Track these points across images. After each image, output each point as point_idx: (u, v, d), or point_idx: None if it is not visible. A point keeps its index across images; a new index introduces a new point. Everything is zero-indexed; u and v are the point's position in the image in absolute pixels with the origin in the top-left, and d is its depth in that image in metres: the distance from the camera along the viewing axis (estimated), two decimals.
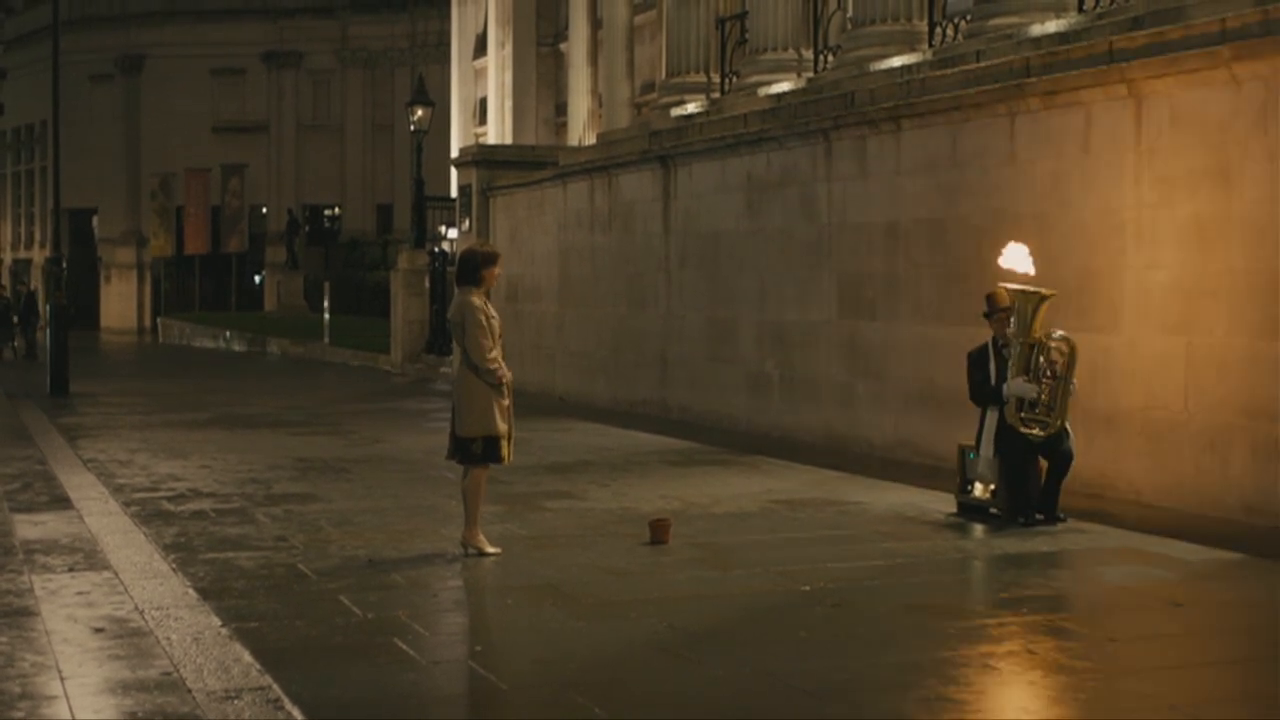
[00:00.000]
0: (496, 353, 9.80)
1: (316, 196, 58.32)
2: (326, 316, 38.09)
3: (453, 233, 29.31)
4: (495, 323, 9.88)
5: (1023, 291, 11.12)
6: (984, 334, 11.55)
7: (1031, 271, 11.27)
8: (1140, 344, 12.02)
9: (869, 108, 15.50)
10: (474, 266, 9.93)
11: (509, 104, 37.50)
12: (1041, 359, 11.06)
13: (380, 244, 51.59)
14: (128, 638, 7.63)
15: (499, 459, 9.91)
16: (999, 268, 11.49)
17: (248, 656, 7.20)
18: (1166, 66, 11.69)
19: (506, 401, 9.86)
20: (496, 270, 10.03)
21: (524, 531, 10.73)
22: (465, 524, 9.99)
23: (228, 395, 24.60)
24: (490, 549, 9.92)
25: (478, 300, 9.86)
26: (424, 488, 13.34)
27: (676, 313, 19.52)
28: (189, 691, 6.60)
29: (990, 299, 11.41)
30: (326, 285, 39.79)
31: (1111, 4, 13.72)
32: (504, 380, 9.81)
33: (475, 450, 9.85)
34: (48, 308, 28.37)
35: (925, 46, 16.62)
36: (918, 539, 10.57)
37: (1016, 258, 11.35)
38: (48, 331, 26.74)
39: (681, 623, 8.03)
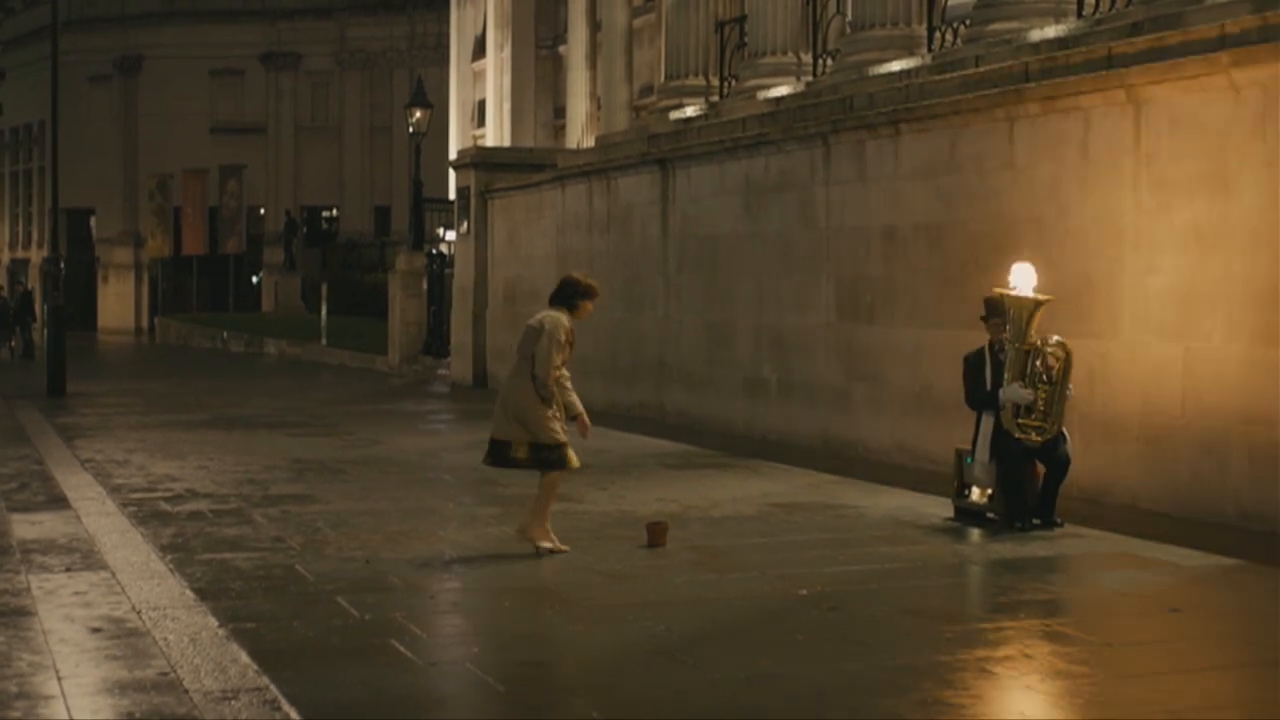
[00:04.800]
0: (558, 373, 9.95)
1: (314, 198, 58.34)
2: (324, 318, 38.09)
3: (450, 234, 29.32)
4: (570, 346, 10.04)
5: (1018, 297, 11.12)
6: (981, 339, 11.56)
7: (1032, 288, 11.24)
8: (1138, 349, 12.02)
9: (868, 112, 15.51)
10: (572, 294, 10.17)
11: (507, 106, 37.52)
12: (1038, 364, 11.06)
13: (378, 245, 51.60)
14: (125, 638, 7.63)
15: (565, 463, 10.06)
16: (1006, 283, 11.46)
17: (245, 657, 7.20)
18: (1165, 72, 11.70)
19: (552, 411, 10.01)
20: (590, 306, 10.27)
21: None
22: (530, 518, 10.08)
23: (225, 396, 24.59)
24: (559, 546, 10.02)
25: (566, 321, 10.04)
26: (421, 489, 13.34)
27: (674, 316, 19.52)
28: (186, 692, 6.60)
29: (988, 303, 11.41)
30: (324, 287, 39.81)
31: (1111, 9, 13.74)
32: (553, 398, 9.96)
33: (515, 455, 10.02)
34: (44, 308, 28.38)
35: (924, 51, 16.64)
36: (914, 543, 10.57)
37: (1022, 277, 11.31)
38: (44, 331, 26.75)
39: (679, 626, 8.03)
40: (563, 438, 10.02)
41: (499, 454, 10.16)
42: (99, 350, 44.46)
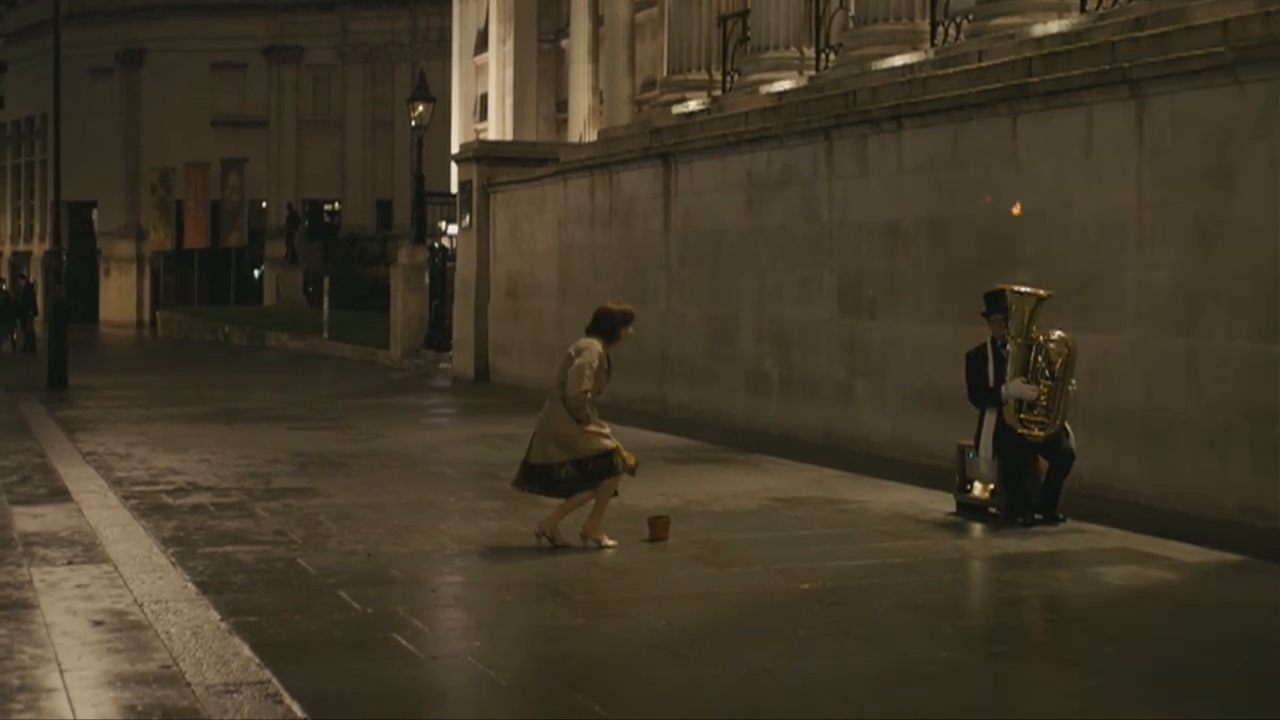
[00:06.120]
0: (589, 395, 10.04)
1: (316, 191, 58.26)
2: (326, 311, 38.07)
3: (453, 229, 29.32)
4: (605, 374, 10.14)
5: (1020, 292, 11.12)
6: (984, 334, 11.55)
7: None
8: (1141, 345, 12.02)
9: (870, 107, 15.50)
10: (610, 325, 10.31)
11: (509, 100, 37.47)
12: (1040, 359, 11.05)
13: (380, 239, 51.56)
14: (127, 631, 7.63)
15: (615, 469, 10.06)
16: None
17: (247, 650, 7.20)
18: (1169, 67, 11.69)
19: (592, 427, 10.05)
20: (630, 331, 10.41)
21: (523, 528, 10.71)
22: (590, 522, 10.12)
23: (226, 389, 24.60)
24: (609, 542, 10.06)
25: (601, 348, 10.16)
26: (423, 483, 13.34)
27: (676, 310, 19.51)
28: (188, 685, 6.60)
29: (989, 298, 11.40)
30: (325, 280, 39.78)
31: (1114, 4, 13.72)
32: (588, 418, 10.02)
33: (562, 475, 10.01)
34: (46, 301, 28.38)
35: (927, 46, 16.62)
36: (917, 538, 10.57)
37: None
38: (46, 324, 26.74)
39: (680, 620, 8.03)
40: (610, 444, 10.06)
41: (541, 477, 10.13)
42: (100, 343, 44.45)
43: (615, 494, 10.25)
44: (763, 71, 19.50)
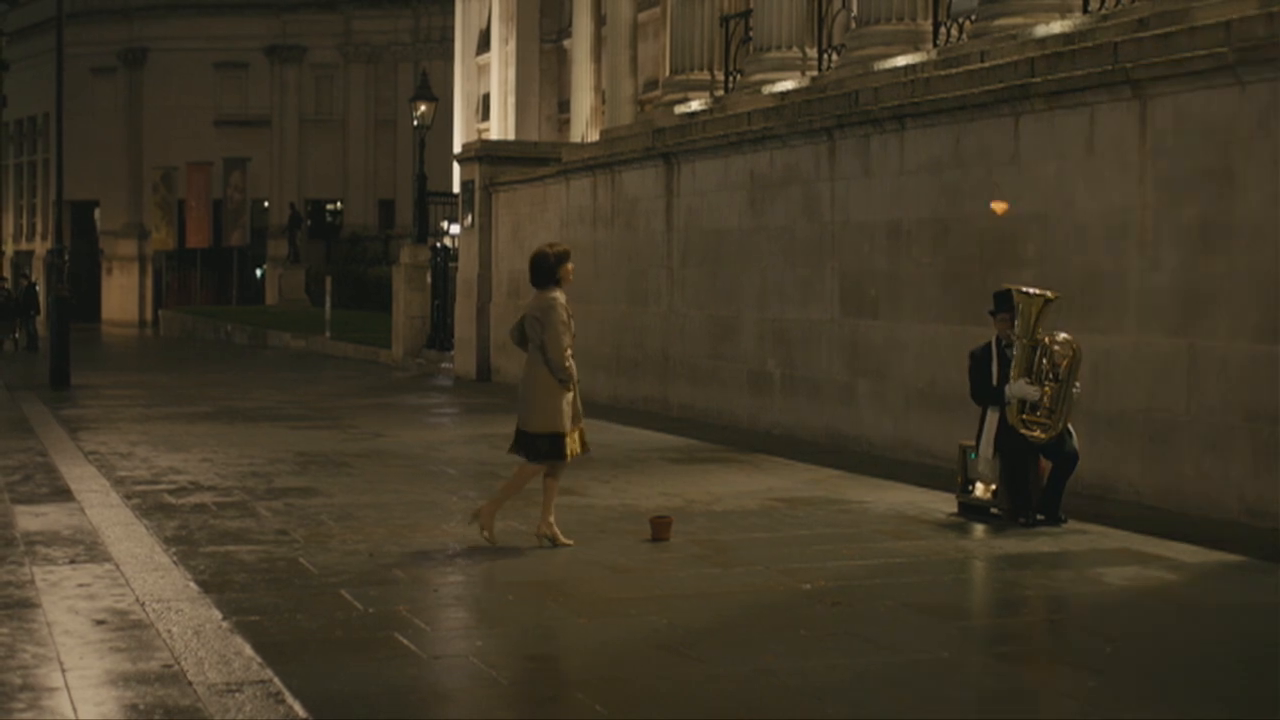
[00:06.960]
0: (569, 352, 10.02)
1: (318, 191, 58.36)
2: (328, 311, 38.10)
3: (455, 228, 29.34)
4: (573, 322, 10.11)
5: (1026, 293, 11.13)
6: (986, 334, 11.55)
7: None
8: (1143, 345, 12.02)
9: (873, 107, 15.50)
10: (550, 269, 10.15)
11: (512, 100, 37.48)
12: (1044, 361, 11.05)
13: (382, 239, 51.64)
14: (129, 630, 7.63)
15: (561, 456, 10.07)
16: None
17: (249, 650, 7.20)
18: (1171, 68, 11.69)
19: (571, 395, 10.03)
20: (572, 266, 10.27)
21: (525, 527, 10.72)
22: (487, 500, 10.21)
23: (228, 389, 24.61)
24: (493, 538, 10.08)
25: (561, 298, 10.08)
26: (425, 483, 13.34)
27: (678, 310, 19.52)
28: (190, 684, 6.60)
29: (997, 297, 11.39)
30: (328, 280, 39.82)
31: (1116, 5, 13.72)
32: (573, 377, 10.01)
33: (542, 447, 10.03)
34: (49, 300, 28.39)
35: (930, 46, 16.63)
36: (918, 538, 10.57)
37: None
38: (48, 323, 26.76)
39: (682, 620, 8.03)
40: (565, 428, 10.03)
41: (527, 444, 10.16)
42: (103, 343, 44.48)
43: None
44: (765, 71, 19.51)
